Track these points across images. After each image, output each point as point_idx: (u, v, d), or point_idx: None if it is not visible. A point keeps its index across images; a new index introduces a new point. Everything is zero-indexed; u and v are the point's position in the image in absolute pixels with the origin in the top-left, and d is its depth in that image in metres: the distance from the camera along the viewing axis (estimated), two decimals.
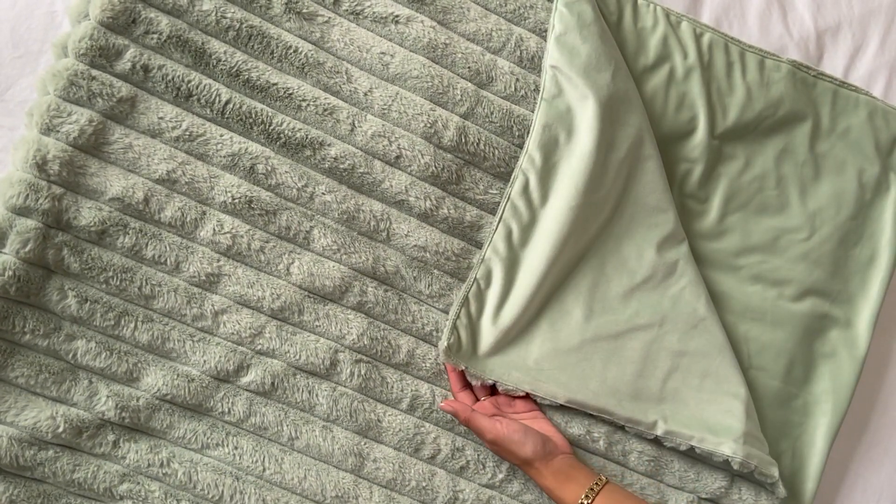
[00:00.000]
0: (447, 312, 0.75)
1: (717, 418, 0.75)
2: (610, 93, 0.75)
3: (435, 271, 0.75)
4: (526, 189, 0.75)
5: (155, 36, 0.69)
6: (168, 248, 0.69)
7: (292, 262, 0.72)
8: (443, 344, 0.71)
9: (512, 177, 0.76)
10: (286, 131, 0.72)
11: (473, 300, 0.74)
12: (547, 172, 0.75)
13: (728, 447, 0.73)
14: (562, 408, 0.74)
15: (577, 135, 0.75)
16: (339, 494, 0.71)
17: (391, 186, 0.74)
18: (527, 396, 0.73)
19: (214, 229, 0.70)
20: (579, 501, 0.67)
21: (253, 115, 0.71)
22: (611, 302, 0.76)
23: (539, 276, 0.73)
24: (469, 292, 0.74)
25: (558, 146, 0.76)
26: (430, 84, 0.75)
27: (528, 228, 0.75)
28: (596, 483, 0.68)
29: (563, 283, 0.76)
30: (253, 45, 0.72)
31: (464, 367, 0.71)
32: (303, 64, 0.73)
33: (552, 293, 0.75)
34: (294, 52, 0.73)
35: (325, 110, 0.73)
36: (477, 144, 0.76)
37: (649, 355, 0.76)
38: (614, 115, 0.75)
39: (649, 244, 0.77)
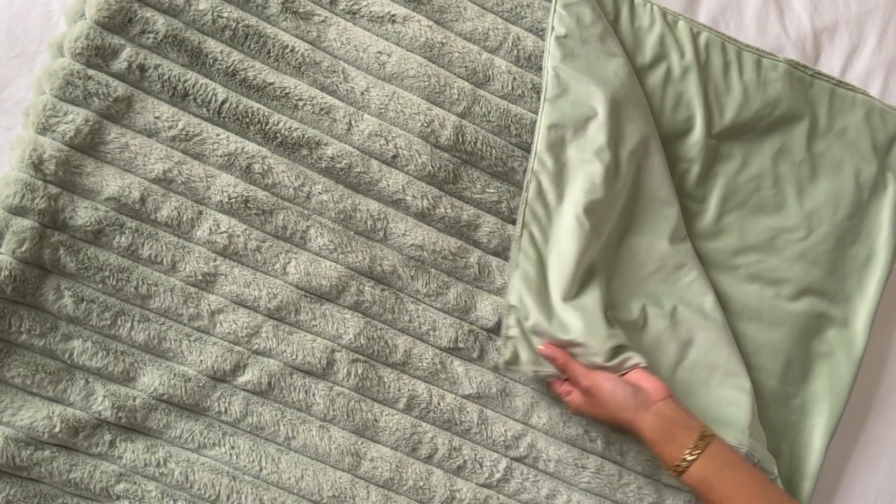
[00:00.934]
0: (444, 311, 0.75)
1: (724, 410, 0.75)
2: (615, 89, 0.75)
3: (432, 270, 0.75)
4: (540, 191, 0.75)
5: (151, 35, 0.69)
6: (164, 248, 0.69)
7: (289, 262, 0.72)
8: (501, 360, 0.72)
9: (525, 182, 0.75)
10: (283, 131, 0.72)
11: (519, 306, 0.72)
12: (559, 172, 0.75)
13: (734, 437, 0.73)
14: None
15: (586, 131, 0.75)
16: (336, 494, 0.71)
17: (388, 186, 0.74)
18: None
19: (211, 229, 0.70)
20: (675, 464, 0.65)
21: (249, 115, 0.71)
22: (623, 294, 0.76)
23: (570, 273, 0.72)
24: (515, 300, 0.72)
25: (566, 144, 0.75)
26: (427, 83, 0.75)
27: (546, 229, 0.74)
28: (695, 445, 0.65)
29: (587, 277, 0.75)
30: (249, 45, 0.72)
31: (533, 372, 0.72)
32: (299, 63, 0.73)
33: (582, 287, 0.74)
34: (291, 51, 0.73)
35: (322, 110, 0.73)
36: (474, 144, 0.76)
37: (659, 346, 0.76)
38: (622, 111, 0.75)
39: (660, 237, 0.77)
